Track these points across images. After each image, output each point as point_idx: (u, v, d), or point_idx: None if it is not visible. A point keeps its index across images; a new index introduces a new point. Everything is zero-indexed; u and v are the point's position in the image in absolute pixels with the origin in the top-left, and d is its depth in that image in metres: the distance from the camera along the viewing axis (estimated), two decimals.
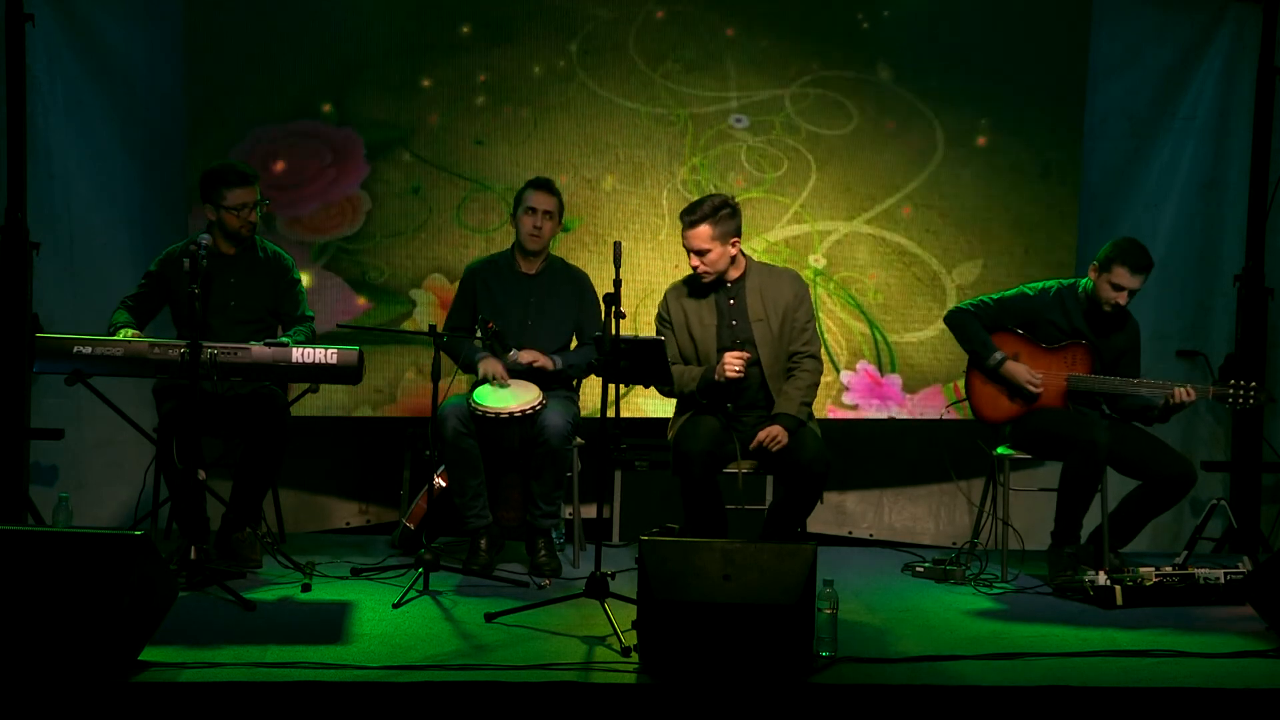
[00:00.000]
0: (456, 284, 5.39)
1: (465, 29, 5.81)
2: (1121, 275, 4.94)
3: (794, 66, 6.01)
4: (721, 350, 4.83)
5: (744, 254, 4.93)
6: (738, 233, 4.83)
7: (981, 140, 6.04)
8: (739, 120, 6.00)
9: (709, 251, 4.78)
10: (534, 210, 5.08)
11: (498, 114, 5.85)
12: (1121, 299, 4.97)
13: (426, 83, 5.80)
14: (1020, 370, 5.04)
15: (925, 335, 6.04)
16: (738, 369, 4.75)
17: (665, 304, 4.98)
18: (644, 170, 5.93)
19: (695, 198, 5.18)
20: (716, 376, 4.76)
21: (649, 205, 5.93)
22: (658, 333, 4.97)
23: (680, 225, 4.83)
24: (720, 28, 5.97)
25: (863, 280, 6.03)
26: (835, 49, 6.02)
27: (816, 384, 4.92)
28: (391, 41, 5.77)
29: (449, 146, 5.83)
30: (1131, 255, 4.95)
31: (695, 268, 4.83)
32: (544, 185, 5.12)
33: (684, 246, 4.83)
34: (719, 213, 4.76)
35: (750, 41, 6.00)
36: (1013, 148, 6.03)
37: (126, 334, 4.66)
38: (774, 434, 4.73)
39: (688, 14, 5.96)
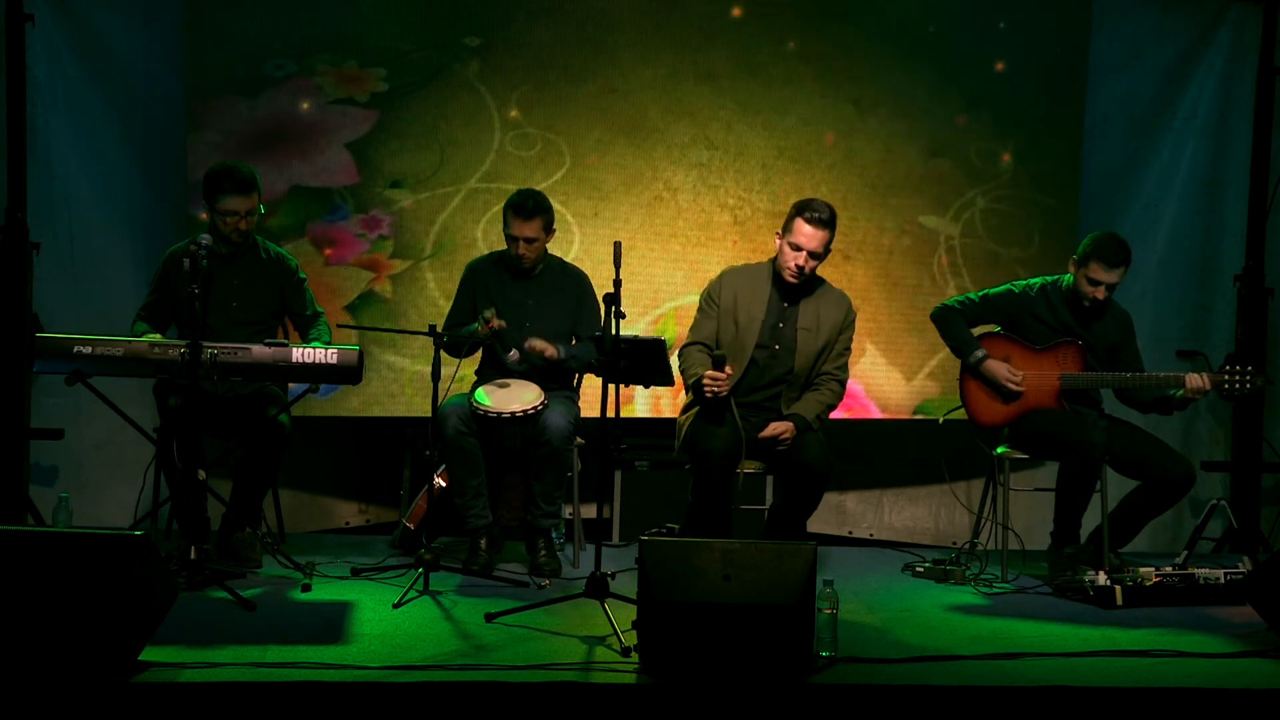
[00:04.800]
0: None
1: None
2: (1097, 270, 4.94)
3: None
4: (759, 346, 4.84)
5: None
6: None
7: (962, 119, 5.95)
8: None
9: (821, 257, 4.81)
10: (515, 239, 5.01)
11: None
12: (1099, 293, 4.98)
13: None
14: (999, 368, 5.04)
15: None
16: (715, 390, 4.72)
17: (718, 284, 4.94)
18: None
19: None
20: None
21: None
22: (700, 310, 4.97)
23: (795, 218, 4.75)
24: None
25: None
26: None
27: (834, 405, 4.92)
28: None
29: None
30: (1106, 250, 4.94)
31: (797, 264, 4.78)
32: (522, 211, 4.97)
33: (793, 243, 4.76)
34: (835, 226, 4.81)
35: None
36: (1013, 147, 6.03)
37: (139, 330, 4.73)
38: (786, 428, 4.75)
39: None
